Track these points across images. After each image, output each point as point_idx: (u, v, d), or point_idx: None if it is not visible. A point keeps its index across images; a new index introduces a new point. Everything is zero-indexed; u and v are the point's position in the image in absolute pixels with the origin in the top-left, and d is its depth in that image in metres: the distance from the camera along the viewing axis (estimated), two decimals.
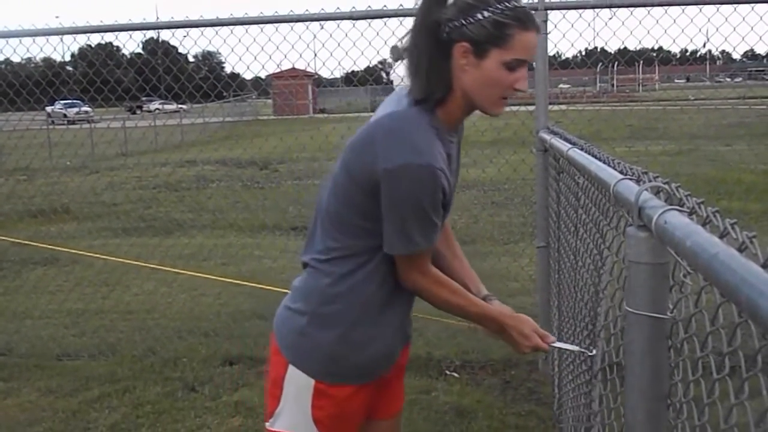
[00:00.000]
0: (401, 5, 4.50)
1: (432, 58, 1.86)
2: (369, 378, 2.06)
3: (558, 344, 2.15)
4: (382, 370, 2.10)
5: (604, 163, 2.03)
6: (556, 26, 4.57)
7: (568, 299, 3.23)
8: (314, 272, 2.01)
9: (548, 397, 4.24)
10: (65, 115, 31.39)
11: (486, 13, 1.79)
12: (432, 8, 1.85)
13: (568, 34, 4.68)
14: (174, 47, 9.04)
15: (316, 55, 4.99)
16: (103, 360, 5.09)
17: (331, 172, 2.00)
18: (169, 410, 4.28)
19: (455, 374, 4.69)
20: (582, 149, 2.62)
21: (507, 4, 1.80)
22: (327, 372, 2.00)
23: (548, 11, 4.29)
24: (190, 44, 6.50)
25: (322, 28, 4.64)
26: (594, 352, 2.14)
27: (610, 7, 4.41)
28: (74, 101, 29.43)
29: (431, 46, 1.85)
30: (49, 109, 27.99)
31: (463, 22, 1.80)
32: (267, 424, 2.08)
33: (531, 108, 4.65)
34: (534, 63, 4.44)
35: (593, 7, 4.45)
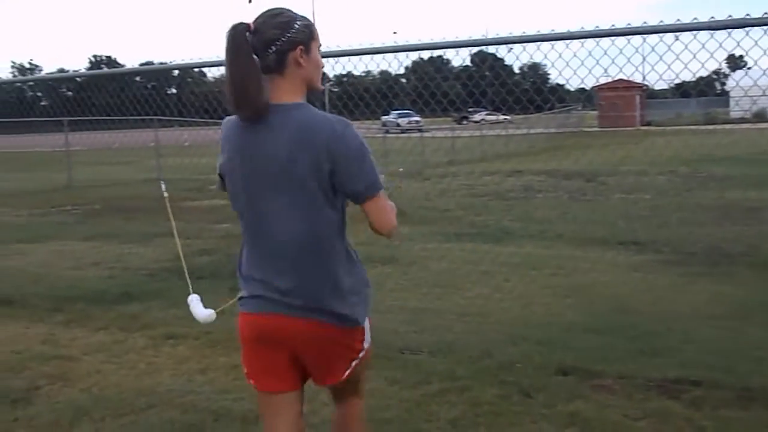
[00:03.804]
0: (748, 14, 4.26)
1: (257, 74, 2.50)
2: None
3: None
4: None
5: None
6: None
7: None
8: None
9: None
10: (398, 125, 33.56)
11: (299, 23, 2.54)
12: (244, 39, 2.48)
13: None
14: (501, 59, 9.29)
15: (652, 67, 4.79)
16: (441, 357, 5.34)
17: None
18: (505, 413, 4.39)
19: None
20: None
21: (295, 12, 2.56)
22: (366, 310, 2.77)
23: None
24: (515, 57, 6.63)
25: (677, 39, 4.49)
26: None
27: None
28: (407, 111, 31.36)
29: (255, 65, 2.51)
30: (384, 118, 30.17)
31: (289, 34, 2.50)
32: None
33: None
34: None
35: None
